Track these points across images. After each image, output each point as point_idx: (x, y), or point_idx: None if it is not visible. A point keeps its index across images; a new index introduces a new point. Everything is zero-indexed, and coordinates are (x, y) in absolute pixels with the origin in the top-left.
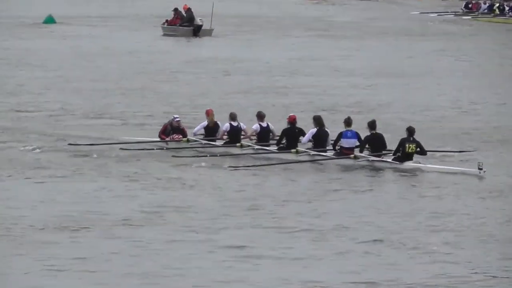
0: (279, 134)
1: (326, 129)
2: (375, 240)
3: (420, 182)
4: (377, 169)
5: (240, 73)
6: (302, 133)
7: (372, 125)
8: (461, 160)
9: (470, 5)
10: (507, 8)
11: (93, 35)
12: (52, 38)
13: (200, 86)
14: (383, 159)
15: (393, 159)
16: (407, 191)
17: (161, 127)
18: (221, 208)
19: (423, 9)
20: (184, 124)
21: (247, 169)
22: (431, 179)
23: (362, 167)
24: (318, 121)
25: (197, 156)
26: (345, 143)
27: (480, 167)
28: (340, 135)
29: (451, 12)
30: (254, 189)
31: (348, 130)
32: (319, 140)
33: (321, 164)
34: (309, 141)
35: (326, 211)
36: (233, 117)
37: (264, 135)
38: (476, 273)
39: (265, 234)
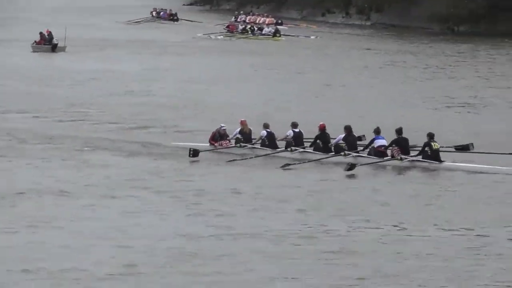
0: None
1: (354, 134)
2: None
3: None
4: (424, 169)
5: (91, 79)
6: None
7: (399, 130)
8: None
9: (229, 27)
10: (256, 29)
11: None
12: None
13: (55, 87)
14: (424, 160)
15: (423, 157)
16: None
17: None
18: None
19: (205, 31)
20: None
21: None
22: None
23: (411, 167)
24: (348, 128)
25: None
26: (379, 143)
27: None
28: (373, 140)
29: (220, 32)
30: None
31: (378, 136)
32: (352, 143)
33: (381, 166)
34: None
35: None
36: (266, 125)
37: (298, 140)
38: None
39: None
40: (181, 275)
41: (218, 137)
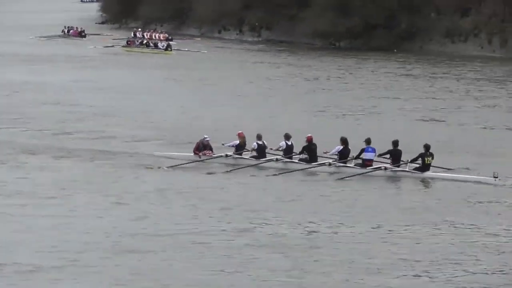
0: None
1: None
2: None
3: (442, 190)
4: (402, 178)
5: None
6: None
7: (396, 143)
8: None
9: (128, 42)
10: (151, 44)
11: None
12: None
13: None
14: (407, 170)
15: (413, 169)
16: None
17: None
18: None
19: (108, 45)
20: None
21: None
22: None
23: (394, 177)
24: (344, 141)
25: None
26: (367, 156)
27: (495, 176)
28: (363, 150)
29: (121, 46)
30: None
31: (368, 146)
32: (344, 155)
33: (367, 175)
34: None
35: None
36: (259, 137)
37: (289, 152)
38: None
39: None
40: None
41: (202, 147)
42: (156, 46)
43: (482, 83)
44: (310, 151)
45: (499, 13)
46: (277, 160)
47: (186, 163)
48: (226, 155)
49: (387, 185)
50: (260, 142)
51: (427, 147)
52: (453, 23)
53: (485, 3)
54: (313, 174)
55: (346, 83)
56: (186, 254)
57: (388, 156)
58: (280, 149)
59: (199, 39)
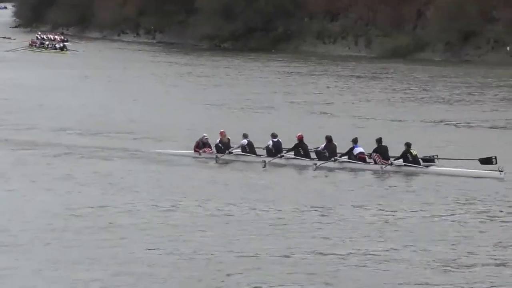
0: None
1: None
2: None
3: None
4: (408, 174)
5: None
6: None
7: (379, 140)
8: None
9: (31, 44)
10: (50, 45)
11: None
12: None
13: None
14: (410, 165)
15: (406, 164)
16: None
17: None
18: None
19: (12, 47)
20: None
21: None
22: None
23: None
24: (329, 138)
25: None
26: (358, 150)
27: (500, 170)
28: (352, 149)
29: (24, 47)
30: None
31: (356, 145)
32: (333, 150)
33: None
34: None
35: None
36: (246, 135)
37: (277, 149)
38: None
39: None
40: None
41: (202, 145)
42: (54, 47)
43: (356, 79)
44: (304, 149)
45: (364, 17)
46: (280, 157)
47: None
48: (229, 152)
49: (401, 181)
50: (249, 140)
51: (408, 144)
52: (324, 27)
53: (351, 9)
54: (330, 170)
55: (233, 80)
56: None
57: (374, 154)
58: (269, 147)
59: (100, 40)
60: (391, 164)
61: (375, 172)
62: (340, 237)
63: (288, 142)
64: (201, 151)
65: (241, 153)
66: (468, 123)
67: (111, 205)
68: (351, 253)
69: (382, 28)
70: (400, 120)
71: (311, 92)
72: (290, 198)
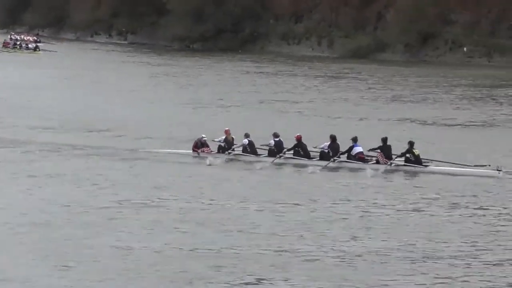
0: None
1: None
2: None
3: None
4: (410, 172)
5: None
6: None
7: (385, 139)
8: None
9: (4, 44)
10: (23, 45)
11: None
12: None
13: None
14: (411, 165)
15: (407, 162)
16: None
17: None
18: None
19: None
20: None
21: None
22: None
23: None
24: (333, 137)
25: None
26: (357, 150)
27: (499, 169)
28: (351, 147)
29: None
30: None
31: (355, 144)
32: (336, 150)
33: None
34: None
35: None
36: (247, 134)
37: (278, 148)
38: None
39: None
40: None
41: (200, 145)
42: (27, 47)
43: (322, 79)
44: (303, 149)
45: (327, 19)
46: (280, 157)
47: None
48: (229, 153)
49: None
50: (250, 139)
51: (411, 143)
52: (289, 28)
53: (315, 11)
54: (333, 170)
55: (205, 79)
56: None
57: (378, 151)
58: (271, 146)
59: (74, 41)
60: (390, 164)
61: (375, 170)
62: (333, 235)
63: (262, 140)
64: (199, 150)
65: (241, 153)
66: (434, 121)
67: (90, 203)
68: (341, 250)
69: (344, 30)
70: (367, 119)
71: (281, 91)
72: (280, 197)
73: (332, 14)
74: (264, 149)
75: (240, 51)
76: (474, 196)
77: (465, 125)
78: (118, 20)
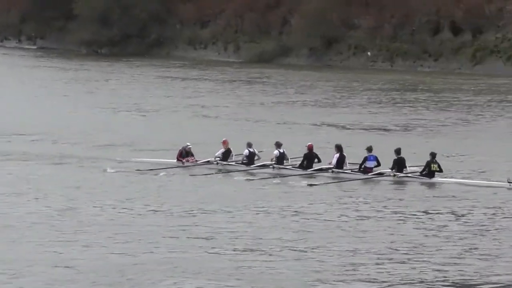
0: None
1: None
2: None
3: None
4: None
5: None
6: (318, 157)
7: (398, 151)
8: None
9: None
10: None
11: None
12: None
13: None
14: (418, 176)
15: (419, 175)
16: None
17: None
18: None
19: None
20: None
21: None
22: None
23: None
24: (339, 148)
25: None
26: (368, 164)
27: (509, 181)
28: (365, 159)
29: None
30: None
31: (370, 155)
32: (343, 161)
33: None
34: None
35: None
36: (250, 144)
37: (281, 159)
38: None
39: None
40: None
41: (185, 154)
42: None
43: (235, 83)
44: (310, 159)
45: (232, 24)
46: (273, 167)
47: (166, 168)
48: (217, 162)
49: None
50: (251, 150)
51: (433, 155)
52: (195, 33)
53: (221, 16)
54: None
55: (115, 84)
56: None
57: (392, 169)
58: (274, 158)
59: None
60: (395, 175)
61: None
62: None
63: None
64: (184, 160)
65: (228, 163)
66: (344, 125)
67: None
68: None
69: (249, 35)
70: (287, 123)
71: (195, 96)
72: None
73: (237, 20)
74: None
75: (146, 56)
76: (487, 208)
77: (372, 129)
78: (27, 25)
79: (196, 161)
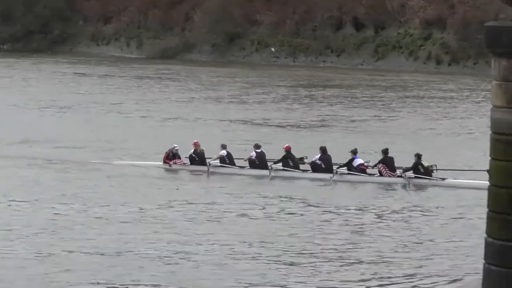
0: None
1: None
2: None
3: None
4: (420, 186)
5: None
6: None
7: (385, 151)
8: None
9: None
10: None
11: None
12: None
13: None
14: (426, 177)
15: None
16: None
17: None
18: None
19: None
20: None
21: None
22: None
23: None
24: (323, 149)
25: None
26: (358, 162)
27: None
28: (351, 160)
29: None
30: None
31: (355, 156)
32: (328, 161)
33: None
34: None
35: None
36: (224, 146)
37: (261, 160)
38: None
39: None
40: None
41: (172, 156)
42: None
43: (145, 80)
44: (293, 160)
45: (135, 21)
46: (272, 169)
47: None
48: (209, 163)
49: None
50: (228, 151)
51: (418, 156)
52: (98, 29)
53: (124, 13)
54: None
55: (22, 81)
56: None
57: (380, 165)
58: (252, 158)
59: None
60: (400, 176)
61: (379, 183)
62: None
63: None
64: (171, 162)
65: (219, 164)
66: (258, 121)
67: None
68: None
69: (153, 31)
70: (200, 119)
71: (105, 92)
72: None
73: (141, 16)
74: (244, 162)
75: (49, 52)
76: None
77: (283, 125)
78: None
79: (184, 163)
